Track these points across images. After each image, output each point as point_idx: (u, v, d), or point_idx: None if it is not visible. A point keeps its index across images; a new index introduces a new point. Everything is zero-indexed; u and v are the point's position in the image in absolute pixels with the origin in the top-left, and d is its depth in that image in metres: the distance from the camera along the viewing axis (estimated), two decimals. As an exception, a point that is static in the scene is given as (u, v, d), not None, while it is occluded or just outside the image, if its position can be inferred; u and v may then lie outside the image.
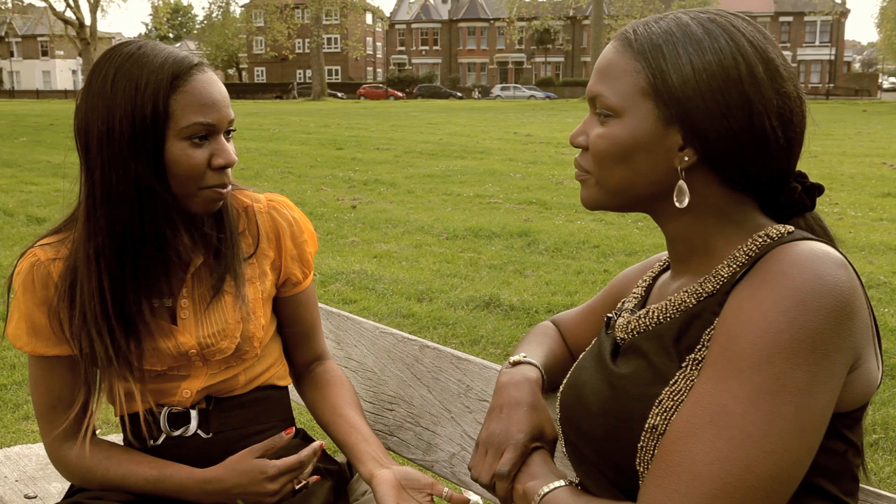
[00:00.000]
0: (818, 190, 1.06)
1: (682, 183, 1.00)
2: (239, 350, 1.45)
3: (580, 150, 1.08)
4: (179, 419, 1.46)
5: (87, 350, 1.36)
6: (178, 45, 72.22)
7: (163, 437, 1.45)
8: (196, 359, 1.43)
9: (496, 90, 61.54)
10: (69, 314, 1.36)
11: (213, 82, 1.32)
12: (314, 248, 1.57)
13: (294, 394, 1.75)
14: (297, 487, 1.39)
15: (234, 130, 1.38)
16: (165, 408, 1.45)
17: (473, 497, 2.91)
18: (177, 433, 1.45)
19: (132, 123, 1.26)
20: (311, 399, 1.60)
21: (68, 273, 1.36)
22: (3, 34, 76.45)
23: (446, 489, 1.34)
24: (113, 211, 1.31)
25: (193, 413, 1.46)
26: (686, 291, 1.03)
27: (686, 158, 0.99)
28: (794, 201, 1.05)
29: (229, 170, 1.35)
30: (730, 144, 0.97)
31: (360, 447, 1.43)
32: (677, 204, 1.01)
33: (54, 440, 1.44)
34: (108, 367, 1.37)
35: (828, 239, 1.04)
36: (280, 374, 1.58)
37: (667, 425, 0.94)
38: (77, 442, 1.43)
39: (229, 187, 1.37)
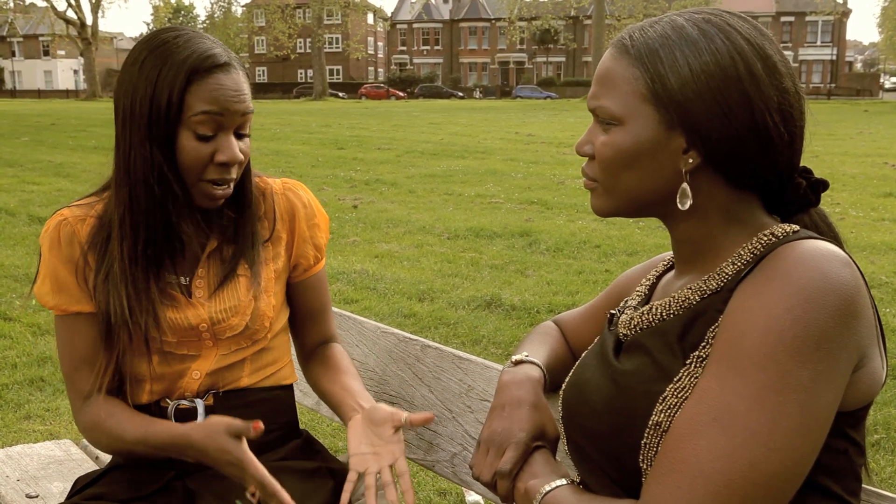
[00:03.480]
0: (823, 185, 1.06)
1: (685, 185, 1.00)
2: (248, 329, 1.47)
3: (587, 158, 1.08)
4: (186, 415, 1.46)
5: (104, 306, 1.40)
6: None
7: None
8: (206, 335, 1.45)
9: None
10: (96, 267, 1.41)
11: (233, 82, 1.36)
12: (327, 234, 1.60)
13: (299, 395, 1.76)
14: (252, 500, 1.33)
15: (247, 131, 1.41)
16: (173, 402, 1.46)
17: (474, 496, 2.91)
18: None
19: (150, 108, 1.33)
20: (313, 374, 1.62)
21: (103, 228, 1.42)
22: (4, 34, 76.51)
23: (406, 414, 1.37)
24: (132, 188, 1.37)
25: (200, 409, 1.46)
26: (690, 289, 1.03)
27: (690, 161, 0.99)
28: (799, 197, 1.04)
29: (234, 169, 1.39)
30: (733, 144, 0.97)
31: (345, 402, 1.48)
32: (679, 206, 1.01)
33: (77, 402, 1.47)
34: (122, 329, 1.40)
35: (833, 235, 1.04)
36: (286, 374, 1.58)
37: (670, 422, 0.94)
38: (93, 400, 1.46)
39: (230, 187, 1.41)
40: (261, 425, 1.30)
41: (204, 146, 1.36)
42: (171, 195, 1.37)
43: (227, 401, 1.48)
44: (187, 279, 1.46)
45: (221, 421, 1.33)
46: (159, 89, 1.33)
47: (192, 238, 1.42)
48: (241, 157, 1.39)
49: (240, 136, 1.40)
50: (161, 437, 1.38)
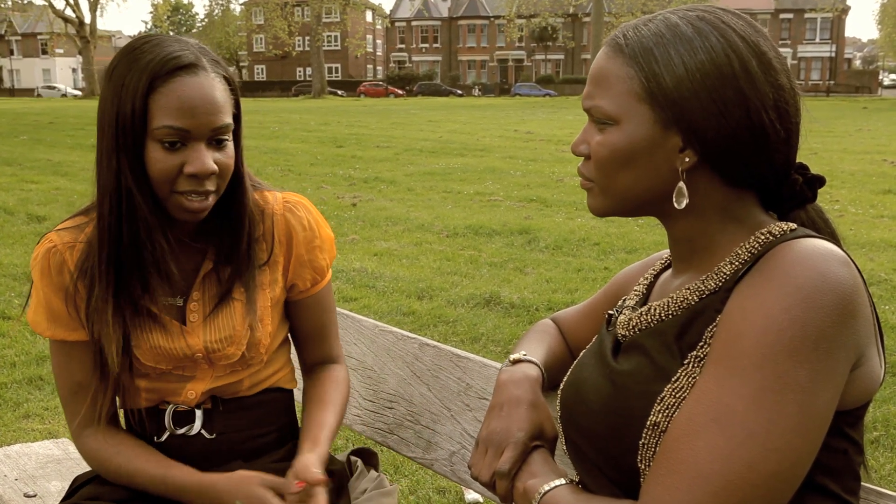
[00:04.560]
0: (819, 181, 1.05)
1: (681, 184, 1.00)
2: (245, 357, 1.45)
3: (582, 158, 1.07)
4: (184, 418, 1.46)
5: (96, 336, 1.37)
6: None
7: (166, 434, 1.45)
8: (202, 362, 1.43)
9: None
10: (87, 295, 1.37)
11: (198, 86, 1.28)
12: (331, 254, 1.54)
13: (298, 394, 1.75)
14: None
15: (225, 139, 1.33)
16: (171, 406, 1.45)
17: (473, 495, 2.91)
18: (181, 431, 1.45)
19: (116, 119, 1.27)
20: (304, 393, 1.60)
21: (91, 253, 1.37)
22: (2, 32, 76.41)
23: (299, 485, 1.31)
24: (102, 202, 1.32)
25: (198, 413, 1.46)
26: (688, 289, 1.02)
27: (687, 159, 0.99)
28: (796, 193, 1.04)
29: (209, 181, 1.31)
30: (729, 142, 0.97)
31: (307, 434, 1.45)
32: (676, 205, 1.01)
33: (76, 427, 1.46)
34: (115, 358, 1.37)
35: (830, 232, 1.04)
36: (286, 378, 1.57)
37: (668, 423, 0.94)
38: (94, 430, 1.44)
39: (208, 198, 1.33)
40: (304, 484, 1.28)
41: (171, 157, 1.28)
42: (137, 211, 1.30)
43: (226, 404, 1.48)
44: (182, 300, 1.42)
45: (255, 475, 1.32)
46: (123, 98, 1.26)
47: (164, 258, 1.33)
48: (215, 167, 1.30)
49: (218, 143, 1.32)
50: (180, 480, 1.37)
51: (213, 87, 1.30)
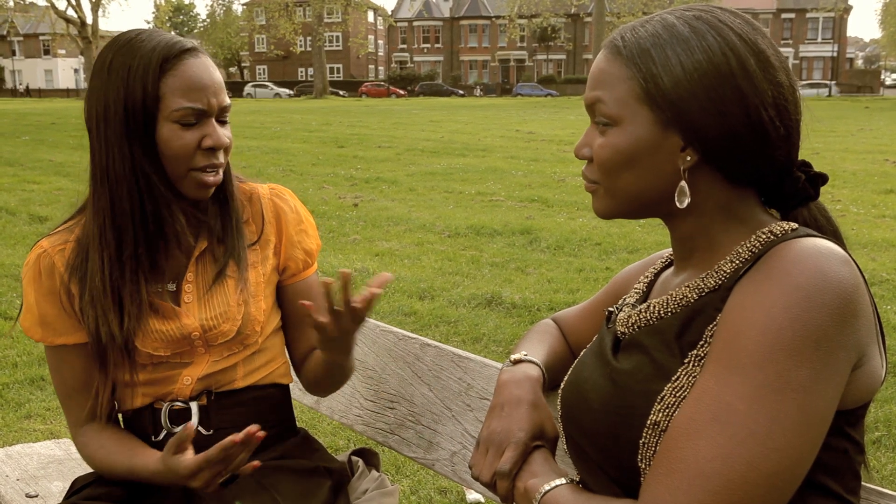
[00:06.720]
0: (822, 179, 1.05)
1: (683, 184, 1.00)
2: (240, 334, 1.46)
3: (586, 161, 1.08)
4: (180, 416, 1.46)
5: (93, 328, 1.39)
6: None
7: (163, 433, 1.46)
8: (199, 343, 1.44)
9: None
10: (80, 289, 1.40)
11: (204, 67, 1.36)
12: (317, 241, 1.59)
13: (298, 393, 1.75)
14: (220, 481, 1.30)
15: (227, 118, 1.41)
16: (167, 404, 1.46)
17: (475, 495, 2.91)
18: (178, 429, 1.45)
19: (125, 105, 1.32)
20: (305, 371, 1.60)
21: (81, 250, 1.41)
22: (4, 33, 76.41)
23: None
24: (112, 190, 1.36)
25: (194, 408, 1.46)
26: (688, 286, 1.02)
27: (688, 158, 0.99)
28: (798, 191, 1.04)
29: (221, 154, 1.39)
30: (729, 140, 0.97)
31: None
32: (677, 204, 1.01)
33: (72, 427, 1.49)
34: (111, 348, 1.39)
35: (832, 230, 1.04)
36: (281, 372, 1.58)
37: (669, 422, 0.94)
38: (88, 427, 1.47)
39: (220, 173, 1.40)
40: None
41: (189, 133, 1.34)
42: (154, 190, 1.35)
43: (221, 400, 1.48)
44: (175, 286, 1.45)
45: (170, 444, 1.28)
46: (132, 84, 1.31)
47: (184, 230, 1.40)
48: (227, 141, 1.39)
49: (221, 123, 1.40)
50: (143, 467, 1.36)
51: (215, 70, 1.39)
